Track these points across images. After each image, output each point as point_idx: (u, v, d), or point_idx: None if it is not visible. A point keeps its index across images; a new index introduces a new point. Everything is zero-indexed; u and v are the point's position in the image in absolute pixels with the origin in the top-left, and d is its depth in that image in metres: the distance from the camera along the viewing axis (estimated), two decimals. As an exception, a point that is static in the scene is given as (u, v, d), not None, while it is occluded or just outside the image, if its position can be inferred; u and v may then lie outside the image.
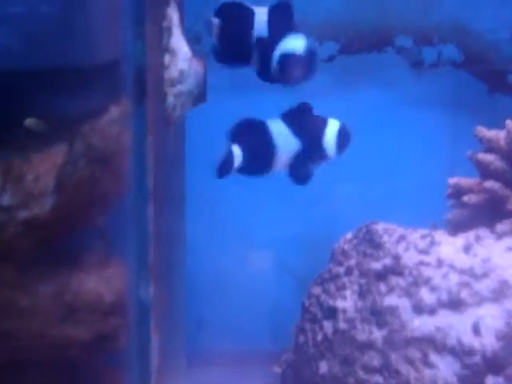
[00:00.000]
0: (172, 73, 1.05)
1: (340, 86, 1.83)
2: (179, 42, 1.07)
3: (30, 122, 0.92)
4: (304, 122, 1.30)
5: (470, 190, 1.55)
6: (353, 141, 1.34)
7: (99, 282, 0.99)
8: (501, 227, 1.40)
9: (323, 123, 1.31)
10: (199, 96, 1.16)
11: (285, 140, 1.26)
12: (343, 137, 1.30)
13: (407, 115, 1.85)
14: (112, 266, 1.01)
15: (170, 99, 1.06)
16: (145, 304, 0.88)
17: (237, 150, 1.18)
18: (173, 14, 1.08)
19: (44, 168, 0.96)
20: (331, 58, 1.81)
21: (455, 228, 1.57)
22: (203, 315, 1.90)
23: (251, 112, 1.84)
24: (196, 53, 1.17)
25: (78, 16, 0.89)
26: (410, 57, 1.81)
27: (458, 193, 1.58)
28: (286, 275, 1.90)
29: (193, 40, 1.80)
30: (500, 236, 1.31)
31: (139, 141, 0.85)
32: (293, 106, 1.33)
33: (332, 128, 1.29)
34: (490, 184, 1.44)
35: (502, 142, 1.50)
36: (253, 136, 1.24)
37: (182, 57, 1.08)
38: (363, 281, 1.24)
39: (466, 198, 1.51)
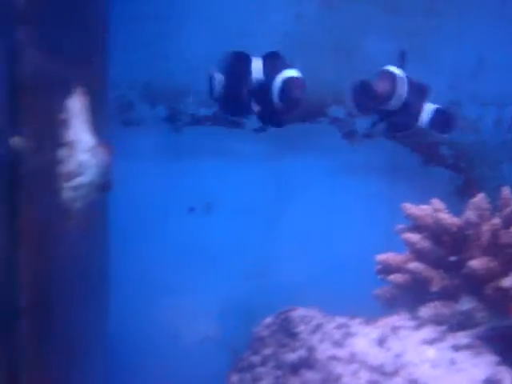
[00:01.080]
0: (69, 166, 1.01)
1: (274, 155, 1.82)
2: (80, 133, 1.04)
3: (16, 140, 0.87)
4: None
5: (397, 269, 1.53)
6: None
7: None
8: (424, 311, 1.38)
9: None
10: (104, 184, 1.12)
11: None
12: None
13: (343, 183, 1.84)
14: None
15: (68, 193, 1.02)
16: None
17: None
18: (74, 105, 1.05)
19: None
20: (263, 129, 1.80)
21: (383, 305, 1.56)
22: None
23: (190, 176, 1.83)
24: (102, 140, 1.13)
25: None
26: (343, 127, 1.81)
27: (385, 270, 1.56)
28: (221, 347, 1.85)
29: (125, 107, 1.79)
30: (420, 324, 1.28)
31: (9, 254, 0.80)
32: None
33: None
34: (413, 265, 1.42)
35: (429, 220, 1.49)
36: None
37: (82, 148, 1.04)
38: (279, 372, 1.20)
39: (392, 277, 1.50)
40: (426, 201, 1.72)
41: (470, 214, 1.40)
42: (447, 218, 1.43)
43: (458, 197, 1.79)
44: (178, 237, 1.80)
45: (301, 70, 1.42)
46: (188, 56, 1.75)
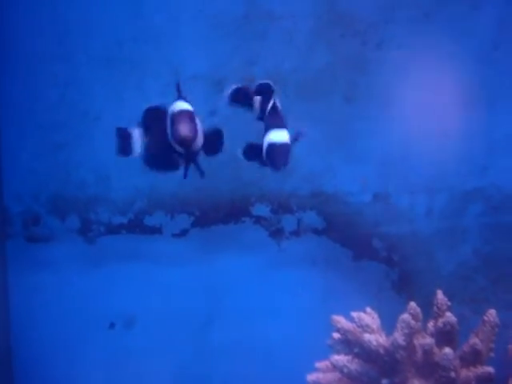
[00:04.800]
0: None
1: (198, 257, 1.71)
2: None
3: None
4: None
5: (328, 390, 1.43)
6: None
7: None
8: None
9: None
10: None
11: None
12: None
13: (272, 280, 1.73)
14: None
15: None
16: None
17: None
18: None
19: None
20: (184, 232, 1.69)
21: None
22: None
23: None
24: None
25: None
26: (269, 225, 1.70)
27: (317, 389, 1.45)
28: None
29: (29, 221, 1.68)
30: None
31: None
32: None
33: None
34: (341, 396, 1.32)
35: (359, 336, 1.38)
36: None
37: None
38: None
39: (322, 402, 1.39)
40: (363, 298, 1.64)
41: (398, 336, 1.30)
42: (373, 339, 1.32)
43: (395, 292, 1.69)
44: (98, 350, 1.68)
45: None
46: (96, 164, 1.63)
